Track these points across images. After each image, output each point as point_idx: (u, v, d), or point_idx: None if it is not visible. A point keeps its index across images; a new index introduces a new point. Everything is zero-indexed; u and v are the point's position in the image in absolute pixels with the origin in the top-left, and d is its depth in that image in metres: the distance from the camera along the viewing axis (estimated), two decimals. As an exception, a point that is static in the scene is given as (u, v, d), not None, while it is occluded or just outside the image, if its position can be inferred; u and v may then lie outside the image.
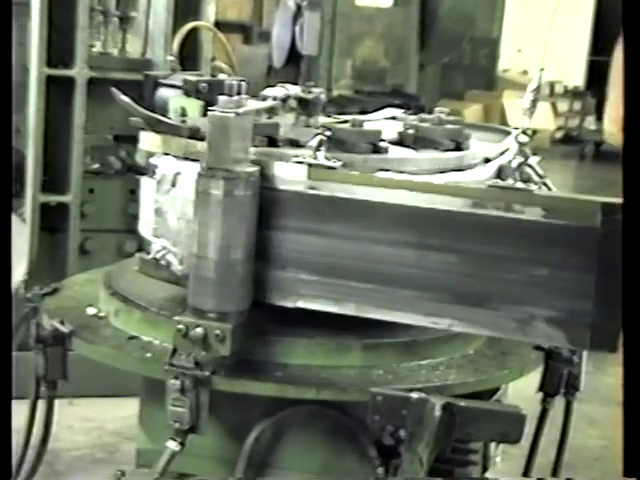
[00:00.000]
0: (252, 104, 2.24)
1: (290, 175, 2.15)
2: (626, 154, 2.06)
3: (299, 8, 8.25)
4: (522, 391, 2.61)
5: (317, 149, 2.16)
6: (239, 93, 2.15)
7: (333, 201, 2.13)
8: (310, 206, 2.14)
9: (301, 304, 2.18)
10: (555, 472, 2.89)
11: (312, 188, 2.14)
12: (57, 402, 2.54)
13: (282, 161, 2.17)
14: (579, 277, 2.02)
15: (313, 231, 2.15)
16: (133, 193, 4.19)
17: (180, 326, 2.10)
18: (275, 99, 2.47)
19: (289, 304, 2.19)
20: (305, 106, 2.62)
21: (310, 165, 2.14)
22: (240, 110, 2.10)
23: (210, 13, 4.51)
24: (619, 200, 2.01)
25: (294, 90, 2.57)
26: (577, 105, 15.59)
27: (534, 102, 2.12)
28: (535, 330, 2.07)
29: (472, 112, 12.27)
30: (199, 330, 2.08)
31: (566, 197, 2.07)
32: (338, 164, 2.16)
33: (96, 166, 4.28)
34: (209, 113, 2.11)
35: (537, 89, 2.07)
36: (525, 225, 2.04)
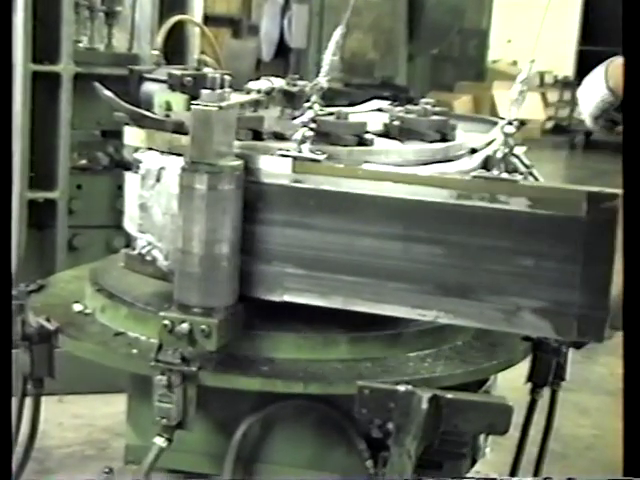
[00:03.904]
0: (235, 97, 2.23)
1: (275, 169, 2.14)
2: (626, 152, 2.05)
3: (287, 1, 8.23)
4: (512, 382, 2.61)
5: (302, 142, 2.15)
6: (222, 87, 2.15)
7: (318, 194, 2.12)
8: (295, 199, 2.13)
9: (287, 298, 2.17)
10: (539, 460, 2.89)
11: (297, 181, 2.13)
12: (47, 399, 2.53)
13: (267, 154, 2.17)
14: (565, 267, 2.01)
15: (298, 224, 2.14)
16: (121, 189, 4.16)
17: (166, 322, 2.09)
18: (260, 92, 2.46)
19: (275, 298, 2.18)
20: (290, 99, 2.61)
21: (295, 158, 2.14)
22: (223, 104, 2.09)
23: (198, 7, 4.49)
24: (604, 189, 1.99)
25: (279, 83, 2.56)
26: (567, 95, 15.58)
27: (522, 92, 2.11)
28: (521, 321, 2.06)
29: (462, 103, 12.26)
30: (185, 325, 2.08)
31: (551, 187, 2.06)
32: (322, 157, 2.15)
33: (83, 162, 4.26)
34: (192, 107, 2.11)
35: (526, 80, 2.06)
36: (510, 215, 2.03)
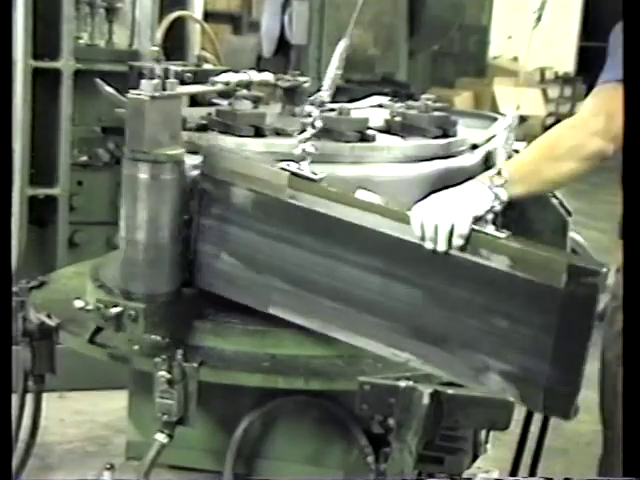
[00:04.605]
0: (180, 88, 2.21)
1: (274, 180, 2.12)
2: (626, 156, 2.04)
3: (287, -3, 8.21)
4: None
5: (302, 158, 2.14)
6: (167, 77, 2.14)
7: (310, 214, 2.10)
8: (288, 215, 2.12)
9: (272, 311, 2.17)
10: (537, 455, 2.89)
11: (292, 197, 2.11)
12: (48, 395, 2.53)
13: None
14: (537, 335, 1.94)
15: (288, 240, 2.13)
16: (122, 185, 4.16)
17: (99, 305, 2.13)
18: (228, 84, 2.44)
19: (261, 308, 2.18)
20: (291, 95, 2.61)
21: (293, 174, 2.12)
22: (157, 93, 2.08)
23: (198, 3, 4.47)
24: (587, 263, 1.91)
25: (257, 77, 2.54)
26: (568, 91, 15.56)
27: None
28: (489, 380, 2.01)
29: (463, 99, 12.25)
30: (114, 309, 2.10)
31: (535, 251, 1.96)
32: (320, 176, 2.12)
33: (84, 158, 4.25)
34: (128, 96, 2.11)
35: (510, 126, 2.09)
36: (489, 272, 1.96)
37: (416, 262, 2.03)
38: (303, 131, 2.14)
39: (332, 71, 2.17)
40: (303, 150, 2.12)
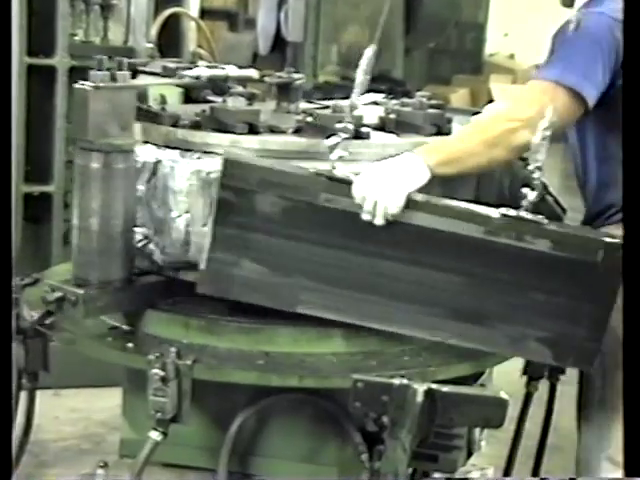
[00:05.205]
0: (131, 81, 2.24)
1: (308, 186, 2.16)
2: (626, 155, 2.08)
3: (284, -6, 8.20)
4: (509, 375, 2.61)
5: (332, 149, 2.16)
6: (120, 69, 2.18)
7: (348, 215, 2.16)
8: (324, 219, 2.17)
9: (300, 309, 2.20)
10: (539, 455, 2.90)
11: (328, 201, 2.16)
12: (42, 393, 2.52)
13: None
14: (573, 303, 2.17)
15: (323, 242, 2.17)
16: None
17: (45, 289, 2.18)
18: (198, 78, 2.44)
19: (287, 309, 2.21)
20: (286, 92, 2.60)
21: (329, 178, 2.15)
22: (102, 84, 2.10)
23: (194, 0, 4.47)
24: (616, 240, 2.14)
25: (236, 72, 2.53)
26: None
27: (544, 139, 2.15)
28: (525, 347, 2.22)
29: (459, 97, 12.24)
30: (55, 293, 2.15)
31: (573, 233, 2.19)
32: (354, 178, 2.16)
33: (79, 155, 4.25)
34: (74, 86, 2.14)
35: (548, 127, 2.13)
36: (533, 255, 2.16)
37: (460, 252, 2.17)
38: (331, 135, 2.17)
39: (361, 76, 2.19)
40: (338, 156, 2.16)
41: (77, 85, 2.12)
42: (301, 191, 2.15)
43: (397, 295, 2.19)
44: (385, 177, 2.15)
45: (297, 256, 2.17)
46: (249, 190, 2.15)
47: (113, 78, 2.13)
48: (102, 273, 2.18)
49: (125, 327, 2.29)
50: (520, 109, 2.27)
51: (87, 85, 2.10)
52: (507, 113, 2.30)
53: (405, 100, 2.59)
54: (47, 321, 2.28)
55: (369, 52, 2.17)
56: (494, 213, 2.17)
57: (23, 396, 2.47)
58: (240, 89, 2.48)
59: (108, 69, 2.14)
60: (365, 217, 2.14)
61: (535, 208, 2.18)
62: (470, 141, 2.26)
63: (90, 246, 2.17)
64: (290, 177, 2.16)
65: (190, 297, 2.27)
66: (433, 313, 2.20)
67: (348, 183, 2.16)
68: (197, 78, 2.44)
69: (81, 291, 2.14)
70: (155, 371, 2.09)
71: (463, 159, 2.24)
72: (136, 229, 2.29)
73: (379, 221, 2.14)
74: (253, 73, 2.56)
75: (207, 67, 2.50)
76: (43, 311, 2.24)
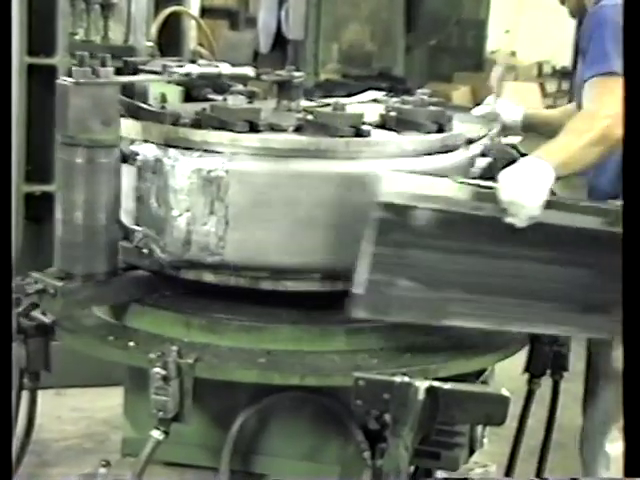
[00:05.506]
0: (114, 77, 2.23)
1: (457, 196, 2.19)
2: (626, 154, 2.09)
3: (284, -7, 8.21)
4: (511, 371, 2.61)
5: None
6: (103, 65, 2.18)
7: (493, 221, 2.20)
8: (472, 227, 2.20)
9: (447, 322, 2.24)
10: (543, 452, 2.90)
11: (476, 209, 2.20)
12: (44, 393, 2.52)
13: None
14: None
15: (472, 251, 2.22)
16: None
17: (27, 280, 2.21)
18: (188, 76, 2.43)
19: (434, 322, 2.24)
20: (286, 90, 2.60)
21: (479, 186, 2.21)
22: (82, 80, 2.12)
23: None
24: None
25: (229, 70, 2.53)
26: (565, 85, 15.56)
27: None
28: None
29: (460, 94, 12.22)
30: (37, 285, 2.19)
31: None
32: (495, 185, 2.22)
33: (80, 155, 4.25)
34: (56, 82, 2.17)
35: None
36: None
37: (590, 245, 2.22)
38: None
39: None
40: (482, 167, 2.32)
41: (58, 81, 2.15)
42: (451, 202, 2.19)
43: (535, 295, 2.25)
44: (525, 181, 2.24)
45: (446, 268, 2.21)
46: (406, 207, 2.16)
47: (95, 74, 2.14)
48: (85, 266, 2.20)
49: (126, 325, 2.29)
50: (608, 106, 2.38)
51: (68, 81, 2.12)
52: (601, 112, 2.42)
53: (406, 98, 2.58)
54: (32, 313, 2.30)
55: None
56: (611, 205, 2.24)
57: (25, 396, 2.46)
58: (240, 87, 2.47)
59: (90, 65, 2.15)
60: (509, 220, 2.21)
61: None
62: (579, 142, 2.39)
63: (74, 240, 2.20)
64: (437, 188, 2.19)
65: (177, 293, 2.31)
66: (567, 309, 2.26)
67: (491, 189, 2.21)
68: (187, 75, 2.43)
69: (60, 283, 2.17)
70: (157, 370, 2.08)
71: (577, 160, 2.39)
72: (136, 227, 2.29)
73: (522, 223, 2.21)
74: (248, 71, 2.55)
75: (199, 65, 2.49)
76: (27, 303, 2.26)
